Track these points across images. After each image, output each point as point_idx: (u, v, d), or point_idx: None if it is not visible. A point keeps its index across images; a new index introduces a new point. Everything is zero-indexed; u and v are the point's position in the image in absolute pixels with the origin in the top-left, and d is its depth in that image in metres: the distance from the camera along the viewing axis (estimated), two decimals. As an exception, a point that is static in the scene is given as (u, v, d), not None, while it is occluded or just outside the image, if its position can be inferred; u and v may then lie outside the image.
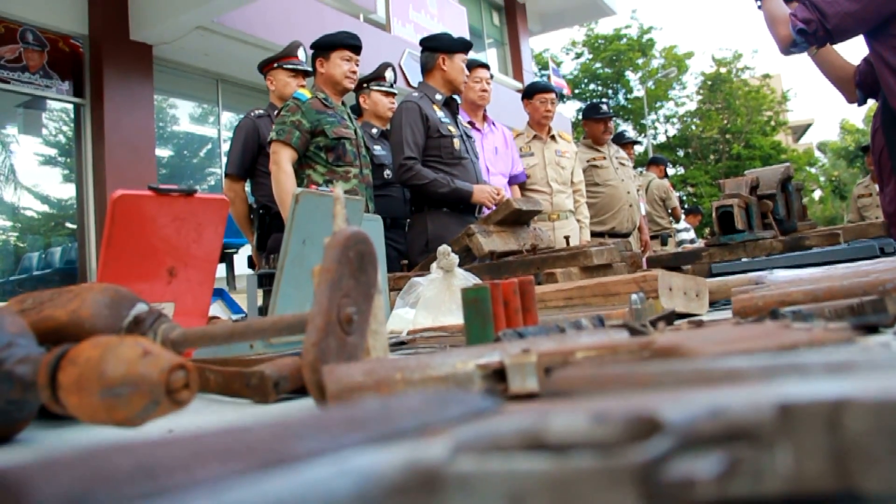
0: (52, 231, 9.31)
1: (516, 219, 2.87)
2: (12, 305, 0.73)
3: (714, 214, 2.22)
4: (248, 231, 4.49)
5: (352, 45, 4.01)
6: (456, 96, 4.30)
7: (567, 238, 2.71)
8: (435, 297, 1.32)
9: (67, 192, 9.11)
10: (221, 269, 8.21)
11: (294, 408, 0.70)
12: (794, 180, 2.67)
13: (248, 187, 4.56)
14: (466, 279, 1.36)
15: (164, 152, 10.24)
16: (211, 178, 11.23)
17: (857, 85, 2.93)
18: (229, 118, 11.20)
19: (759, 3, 2.87)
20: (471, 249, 2.75)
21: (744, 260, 2.16)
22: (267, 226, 4.28)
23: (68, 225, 9.16)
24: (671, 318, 0.96)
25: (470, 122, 4.65)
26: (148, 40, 9.01)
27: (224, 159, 10.99)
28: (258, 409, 0.70)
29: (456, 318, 1.33)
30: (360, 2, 10.10)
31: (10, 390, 0.55)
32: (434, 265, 1.45)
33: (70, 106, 8.98)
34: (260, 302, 2.72)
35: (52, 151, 9.20)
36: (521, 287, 0.89)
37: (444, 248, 1.37)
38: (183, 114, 10.77)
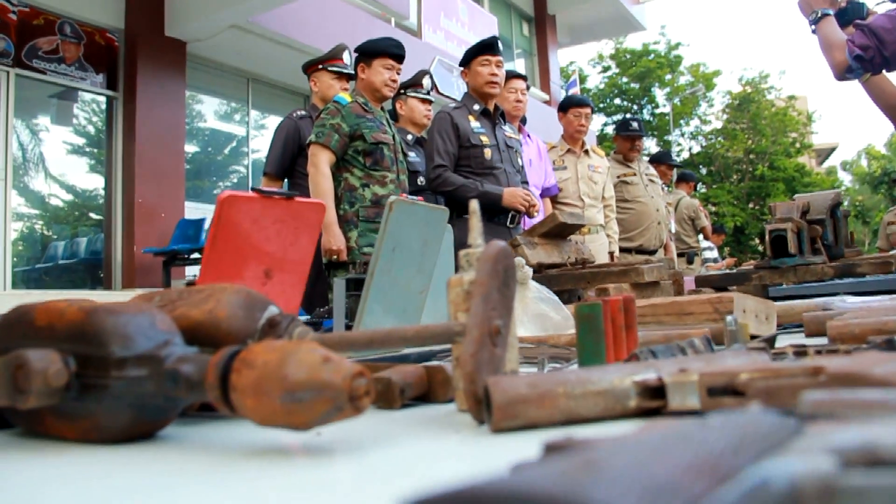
0: (78, 221, 9.40)
1: (560, 232, 2.87)
2: (139, 301, 0.74)
3: (767, 237, 2.21)
4: (283, 231, 4.50)
5: (395, 53, 4.03)
6: (499, 105, 4.32)
7: (612, 254, 2.71)
8: (506, 309, 1.33)
9: (96, 183, 9.20)
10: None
11: (419, 415, 0.70)
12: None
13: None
14: (540, 291, 1.37)
15: (191, 148, 10.31)
16: (234, 175, 11.30)
17: (908, 113, 2.92)
18: (258, 117, 11.27)
19: (813, 27, 2.86)
20: (513, 260, 2.76)
21: (803, 284, 2.15)
22: (302, 226, 4.30)
23: (96, 216, 9.23)
24: (773, 340, 0.97)
25: None
26: (182, 37, 9.10)
27: (251, 158, 11.06)
28: (383, 415, 0.71)
29: (528, 330, 1.33)
30: (394, 7, 10.14)
31: (173, 388, 0.56)
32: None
33: (103, 98, 9.08)
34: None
35: (84, 142, 9.30)
36: (625, 304, 0.89)
37: (518, 260, 1.38)
38: (213, 111, 10.85)
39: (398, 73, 4.09)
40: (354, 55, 4.15)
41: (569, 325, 1.36)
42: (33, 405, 0.56)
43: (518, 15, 16.32)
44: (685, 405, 0.57)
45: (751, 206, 27.16)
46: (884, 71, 2.73)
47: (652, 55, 28.03)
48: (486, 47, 4.20)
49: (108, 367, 0.58)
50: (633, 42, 28.92)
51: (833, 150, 44.98)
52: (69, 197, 9.34)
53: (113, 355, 0.58)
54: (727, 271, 2.45)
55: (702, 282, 2.40)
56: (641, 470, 0.20)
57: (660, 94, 28.61)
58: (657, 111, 28.39)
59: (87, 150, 9.34)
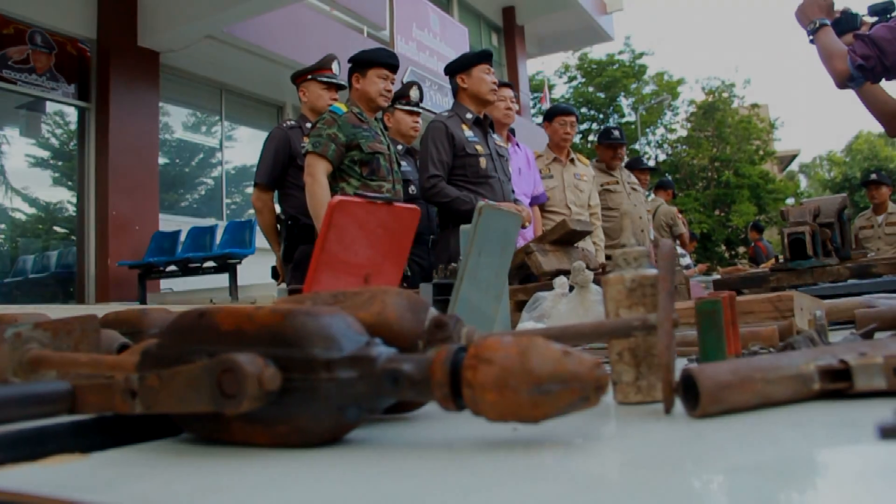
0: (50, 234, 9.22)
1: (569, 239, 2.91)
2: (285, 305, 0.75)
3: (785, 240, 2.27)
4: (275, 242, 4.47)
5: (389, 63, 4.05)
6: (489, 114, 4.34)
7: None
8: (569, 312, 1.35)
9: (68, 195, 9.05)
10: (224, 279, 8.19)
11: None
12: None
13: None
14: (600, 294, 1.39)
15: (163, 159, 10.19)
16: (204, 187, 11.19)
17: (903, 120, 3.00)
18: (231, 128, 11.20)
19: (811, 37, 2.94)
20: (524, 267, 2.80)
21: (812, 286, 2.21)
22: (294, 237, 4.27)
23: (68, 229, 9.08)
24: (873, 333, 1.01)
25: None
26: (155, 47, 9.01)
27: (224, 168, 10.97)
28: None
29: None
30: (370, 17, 10.16)
31: (392, 389, 0.57)
32: (558, 280, 1.48)
33: (74, 109, 8.94)
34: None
35: (55, 154, 9.14)
36: (730, 301, 0.92)
37: (579, 265, 1.40)
38: (186, 122, 10.75)
39: (392, 83, 4.11)
40: (348, 65, 4.15)
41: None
42: (245, 410, 0.57)
43: (487, 26, 16.44)
44: (871, 386, 0.63)
45: (717, 212, 27.59)
46: (885, 80, 2.81)
47: (616, 65, 28.38)
48: (488, 56, 4.22)
49: (314, 369, 0.58)
50: (599, 53, 29.24)
51: (794, 157, 45.80)
52: (40, 210, 9.16)
53: (319, 357, 0.58)
54: (742, 274, 2.49)
55: (720, 284, 2.45)
56: None
57: (625, 103, 28.98)
58: (623, 120, 28.72)
59: (59, 161, 9.18)
